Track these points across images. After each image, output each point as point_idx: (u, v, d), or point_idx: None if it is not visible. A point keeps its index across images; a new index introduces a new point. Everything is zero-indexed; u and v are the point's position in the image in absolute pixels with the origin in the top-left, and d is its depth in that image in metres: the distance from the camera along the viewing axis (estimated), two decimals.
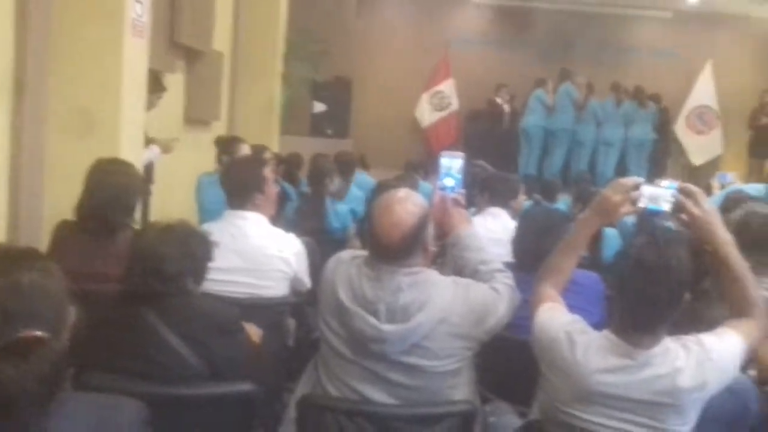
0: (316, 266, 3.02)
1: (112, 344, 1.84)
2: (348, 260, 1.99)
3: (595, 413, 1.74)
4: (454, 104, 10.61)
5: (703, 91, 10.50)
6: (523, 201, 4.18)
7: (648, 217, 1.93)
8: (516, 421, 2.19)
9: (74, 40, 3.44)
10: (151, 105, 4.34)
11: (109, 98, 3.50)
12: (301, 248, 2.80)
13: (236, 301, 2.54)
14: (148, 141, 4.19)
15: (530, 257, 2.36)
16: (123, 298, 1.92)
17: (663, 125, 9.95)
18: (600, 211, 1.92)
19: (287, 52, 7.42)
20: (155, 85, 4.49)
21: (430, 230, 2.00)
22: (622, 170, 9.20)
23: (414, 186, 3.68)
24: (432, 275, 1.96)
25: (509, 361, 2.20)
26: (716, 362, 1.71)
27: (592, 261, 2.24)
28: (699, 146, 10.56)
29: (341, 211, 4.31)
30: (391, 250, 1.89)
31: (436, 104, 10.65)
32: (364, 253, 2.00)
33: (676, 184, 1.91)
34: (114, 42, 3.49)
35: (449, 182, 2.19)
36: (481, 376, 2.35)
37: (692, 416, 1.74)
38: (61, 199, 2.92)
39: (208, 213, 3.68)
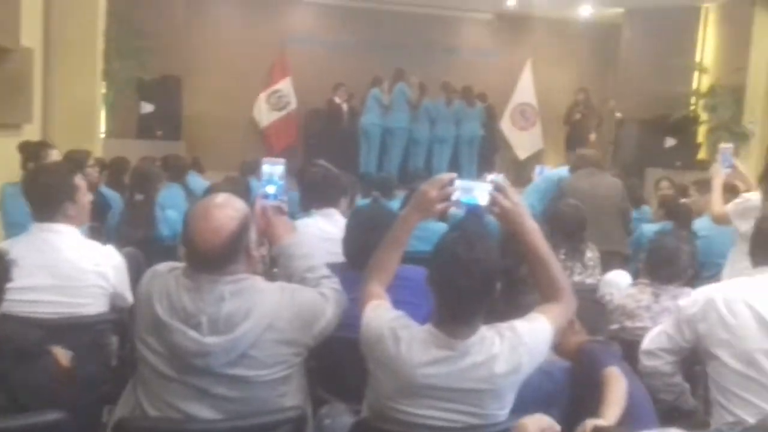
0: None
1: None
2: (165, 272, 1.88)
3: (420, 406, 1.78)
4: (293, 103, 10.51)
5: (525, 89, 11.26)
6: (358, 200, 4.23)
7: (473, 213, 2.00)
8: (351, 421, 2.19)
9: None
10: None
11: None
12: (121, 261, 2.62)
13: (46, 322, 2.34)
14: None
15: (359, 255, 2.37)
16: None
17: (490, 122, 10.54)
18: (418, 207, 1.97)
19: (108, 48, 6.95)
20: None
21: (253, 235, 1.94)
22: (455, 166, 9.62)
23: (244, 188, 3.58)
24: (257, 282, 1.90)
25: (342, 361, 2.20)
26: (528, 346, 1.82)
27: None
28: (523, 141, 11.32)
29: (171, 217, 4.10)
30: (210, 258, 1.81)
31: (274, 104, 10.49)
32: (182, 264, 1.90)
33: (500, 176, 2.03)
34: None
35: (271, 189, 2.12)
36: (316, 378, 2.33)
37: (509, 399, 1.84)
38: None
39: (12, 227, 3.36)
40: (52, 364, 1.86)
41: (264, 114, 10.47)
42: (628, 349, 2.53)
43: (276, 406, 1.88)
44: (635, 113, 9.99)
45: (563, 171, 5.17)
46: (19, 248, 2.43)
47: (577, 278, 3.53)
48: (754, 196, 3.13)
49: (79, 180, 2.66)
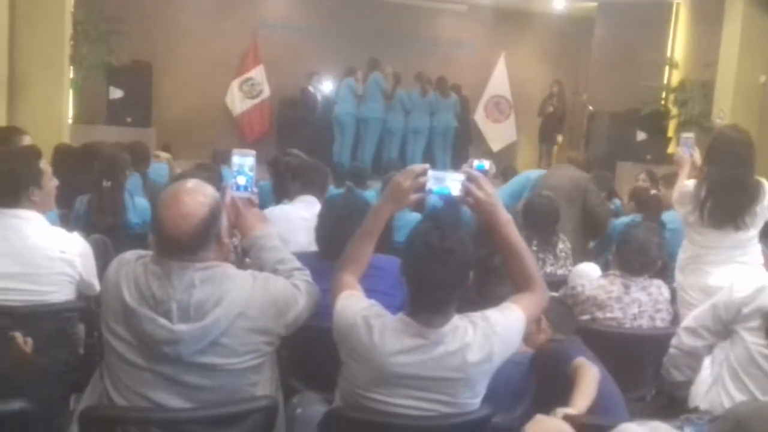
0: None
1: None
2: (132, 260, 1.84)
3: (393, 395, 1.78)
4: (266, 91, 10.40)
5: (499, 82, 11.32)
6: (331, 190, 4.21)
7: (448, 203, 1.99)
8: (323, 410, 2.18)
9: None
10: None
11: None
12: (87, 248, 2.56)
13: (11, 310, 2.28)
14: None
15: (332, 245, 2.36)
16: None
17: (464, 114, 10.56)
18: (392, 197, 1.97)
19: (76, 31, 6.79)
20: None
21: (224, 222, 1.91)
22: (428, 157, 9.61)
23: (215, 176, 3.53)
24: (228, 269, 1.87)
25: (315, 350, 2.19)
26: (500, 335, 1.82)
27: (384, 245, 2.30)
28: (496, 133, 11.38)
29: (140, 204, 4.04)
30: (180, 244, 1.77)
31: (247, 91, 10.37)
32: (150, 252, 1.86)
33: (484, 163, 2.02)
34: None
35: (241, 180, 2.08)
36: (288, 367, 2.32)
37: (481, 388, 1.84)
38: None
39: None
40: (15, 351, 1.82)
41: (237, 102, 10.35)
42: (598, 340, 2.56)
43: (247, 394, 1.86)
44: (607, 107, 10.10)
45: (538, 171, 5.24)
46: None
47: (548, 269, 3.57)
48: (691, 182, 3.18)
49: (45, 165, 2.59)
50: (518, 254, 1.94)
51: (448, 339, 1.77)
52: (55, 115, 6.43)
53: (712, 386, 2.32)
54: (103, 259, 2.74)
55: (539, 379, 2.18)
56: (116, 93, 8.60)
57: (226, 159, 5.89)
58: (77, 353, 2.58)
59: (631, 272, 2.90)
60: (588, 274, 3.22)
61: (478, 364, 1.79)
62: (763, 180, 3.10)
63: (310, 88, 10.08)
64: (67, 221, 3.73)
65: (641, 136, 9.60)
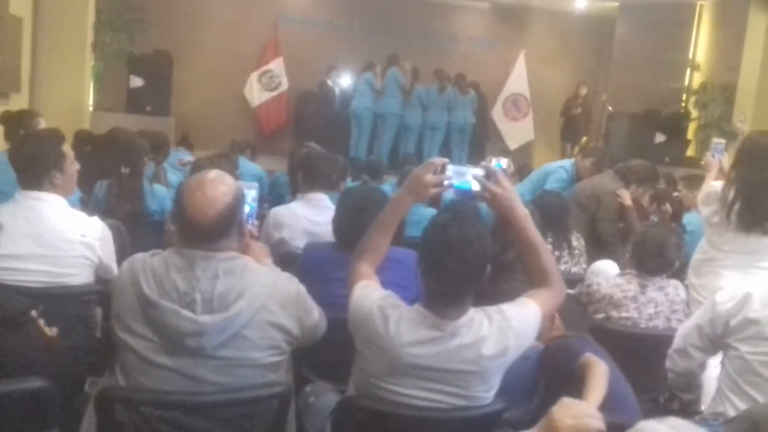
0: (125, 251, 2.82)
1: None
2: (146, 257, 1.84)
3: (406, 385, 1.78)
4: (284, 84, 10.43)
5: (518, 80, 11.27)
6: (348, 183, 4.21)
7: (464, 197, 1.99)
8: (335, 400, 2.19)
9: None
10: None
11: None
12: (107, 233, 2.59)
13: (30, 291, 2.31)
14: None
15: (349, 235, 2.37)
16: None
17: (482, 111, 10.53)
18: (411, 189, 1.97)
19: (98, 20, 6.84)
20: None
21: (245, 212, 1.92)
22: (445, 153, 9.60)
23: (233, 165, 3.55)
24: (249, 261, 1.87)
25: (329, 340, 2.19)
26: (516, 329, 1.82)
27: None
28: (514, 131, 11.34)
29: (159, 192, 4.07)
30: (205, 230, 1.77)
31: (266, 84, 10.40)
32: (160, 251, 1.87)
33: (503, 162, 2.02)
34: None
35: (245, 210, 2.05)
36: (301, 357, 2.33)
37: (495, 382, 1.84)
38: None
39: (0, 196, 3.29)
40: (37, 333, 1.84)
41: (255, 94, 10.39)
42: (612, 339, 2.54)
43: None
44: (626, 107, 10.02)
45: (563, 162, 5.16)
46: (4, 216, 2.41)
47: (563, 267, 3.55)
48: (718, 183, 3.17)
49: (67, 149, 2.62)
50: (535, 249, 1.94)
51: (464, 331, 1.77)
52: (76, 103, 6.50)
53: (715, 400, 2.29)
54: (118, 244, 2.77)
55: (548, 374, 2.17)
56: (136, 82, 8.65)
57: (243, 150, 5.94)
58: (94, 336, 2.61)
59: (648, 272, 2.89)
60: (605, 272, 3.20)
61: (492, 358, 1.79)
62: None
63: (329, 82, 10.08)
64: (86, 205, 3.77)
65: (660, 137, 9.52)
